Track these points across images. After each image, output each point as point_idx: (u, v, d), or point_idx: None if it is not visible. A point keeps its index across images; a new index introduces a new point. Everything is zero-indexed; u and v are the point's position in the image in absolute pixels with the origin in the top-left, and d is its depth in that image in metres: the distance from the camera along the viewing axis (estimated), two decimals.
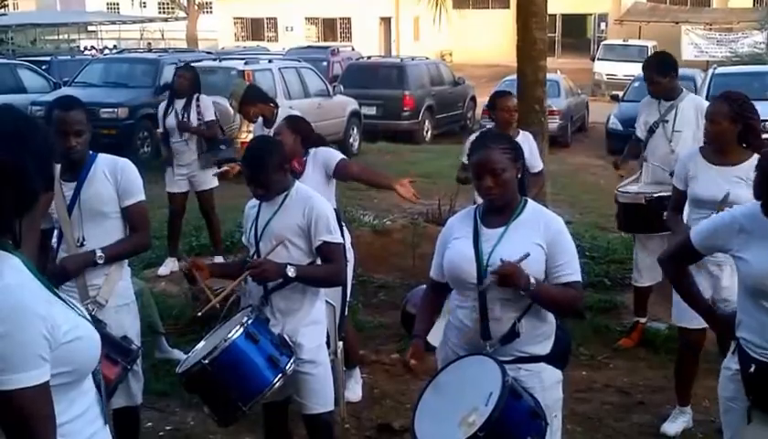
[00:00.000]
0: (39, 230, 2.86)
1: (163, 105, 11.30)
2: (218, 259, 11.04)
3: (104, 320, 5.30)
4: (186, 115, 10.91)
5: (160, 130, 11.23)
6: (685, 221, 6.80)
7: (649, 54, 40.98)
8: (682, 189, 6.79)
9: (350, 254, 7.31)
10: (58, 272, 5.23)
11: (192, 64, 13.12)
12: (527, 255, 4.41)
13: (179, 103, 11.03)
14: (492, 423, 4.08)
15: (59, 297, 2.77)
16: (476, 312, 4.58)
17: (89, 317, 2.93)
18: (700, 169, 6.65)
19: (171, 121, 10.99)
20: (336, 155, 7.28)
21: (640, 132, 8.79)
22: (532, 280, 4.41)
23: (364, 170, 7.81)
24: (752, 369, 4.38)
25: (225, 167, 9.96)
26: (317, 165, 7.13)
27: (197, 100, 11.05)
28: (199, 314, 5.87)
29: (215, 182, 11.11)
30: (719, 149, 6.55)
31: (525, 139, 8.77)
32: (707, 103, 7.83)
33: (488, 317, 4.53)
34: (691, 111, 8.35)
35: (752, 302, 4.44)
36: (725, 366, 4.64)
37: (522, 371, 4.54)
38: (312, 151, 7.22)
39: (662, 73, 8.52)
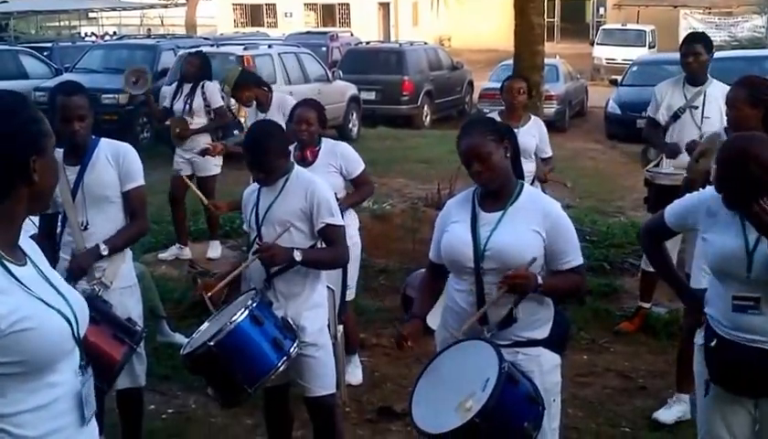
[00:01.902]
0: (19, 219, 2.82)
1: (171, 89, 11.38)
2: (215, 243, 11.09)
3: (109, 301, 5.37)
4: (190, 101, 10.94)
5: (163, 105, 11.32)
6: None
7: (647, 38, 41.26)
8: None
9: (357, 238, 7.39)
10: (75, 269, 5.32)
11: (201, 50, 13.08)
12: (534, 260, 4.46)
13: (186, 88, 11.08)
14: (488, 409, 4.10)
15: (23, 285, 2.73)
16: (473, 296, 4.60)
17: (73, 306, 2.87)
18: None
19: (179, 105, 11.03)
20: (361, 164, 7.34)
21: (661, 116, 8.55)
22: (540, 280, 4.46)
23: (370, 192, 7.84)
24: (712, 344, 4.52)
25: (206, 145, 10.04)
26: (332, 162, 7.16)
27: (203, 87, 11.06)
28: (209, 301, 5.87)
29: (218, 168, 11.16)
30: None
31: (535, 124, 8.80)
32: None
33: (485, 302, 4.55)
34: (720, 97, 8.04)
35: (715, 280, 4.58)
36: (695, 340, 4.77)
37: (520, 356, 4.56)
38: (330, 143, 7.26)
39: (707, 48, 8.42)
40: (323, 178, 6.36)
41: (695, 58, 8.36)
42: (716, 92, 8.23)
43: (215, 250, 11.13)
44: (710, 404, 4.68)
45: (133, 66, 11.92)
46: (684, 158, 8.09)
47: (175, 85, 11.39)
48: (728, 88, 7.87)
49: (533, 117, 8.99)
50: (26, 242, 2.94)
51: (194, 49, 13.77)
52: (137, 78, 11.52)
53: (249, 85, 9.42)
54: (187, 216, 11.48)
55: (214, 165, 11.08)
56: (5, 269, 2.71)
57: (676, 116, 8.44)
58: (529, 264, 4.44)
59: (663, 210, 4.96)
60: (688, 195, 4.92)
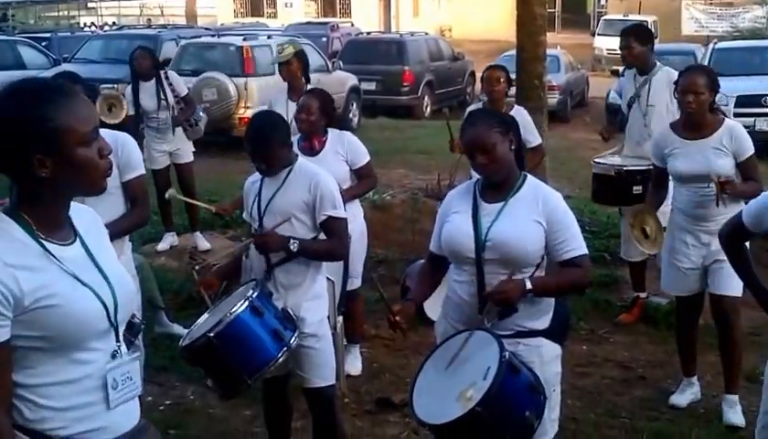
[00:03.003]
0: (53, 201, 2.89)
1: (128, 89, 11.20)
2: (198, 235, 11.09)
3: None
4: (162, 95, 10.89)
5: (131, 113, 11.12)
6: (671, 197, 6.90)
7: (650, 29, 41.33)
8: (662, 167, 6.87)
9: (364, 228, 7.47)
10: None
11: (145, 45, 12.97)
12: (512, 274, 4.49)
13: (149, 85, 10.93)
14: (489, 398, 4.10)
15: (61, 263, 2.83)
16: (474, 286, 4.61)
17: (115, 289, 2.97)
18: (677, 146, 6.69)
19: (148, 102, 10.91)
20: (366, 156, 7.36)
21: (623, 106, 8.93)
22: (528, 285, 4.46)
23: (373, 185, 7.83)
24: None
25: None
26: (340, 149, 7.17)
27: (167, 77, 11.04)
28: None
29: (192, 155, 11.29)
30: (695, 122, 6.59)
31: (518, 114, 8.73)
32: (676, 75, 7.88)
33: (486, 291, 4.55)
34: (663, 84, 8.37)
35: None
36: None
37: (521, 346, 4.56)
38: (336, 133, 7.25)
39: (640, 40, 8.61)
40: (331, 167, 6.41)
41: (628, 51, 8.65)
42: (660, 79, 8.49)
43: (201, 240, 11.08)
44: None
45: (103, 93, 11.56)
46: (636, 149, 8.58)
47: (129, 86, 11.21)
48: (672, 71, 7.97)
49: (516, 106, 8.99)
50: (88, 223, 3.07)
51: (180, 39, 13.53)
52: (110, 105, 11.34)
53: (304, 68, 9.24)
54: (180, 208, 11.47)
55: (191, 152, 11.25)
56: (42, 248, 2.83)
57: (629, 105, 8.73)
58: (509, 278, 4.47)
59: (739, 214, 4.74)
60: (765, 193, 4.72)
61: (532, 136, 8.85)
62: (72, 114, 2.84)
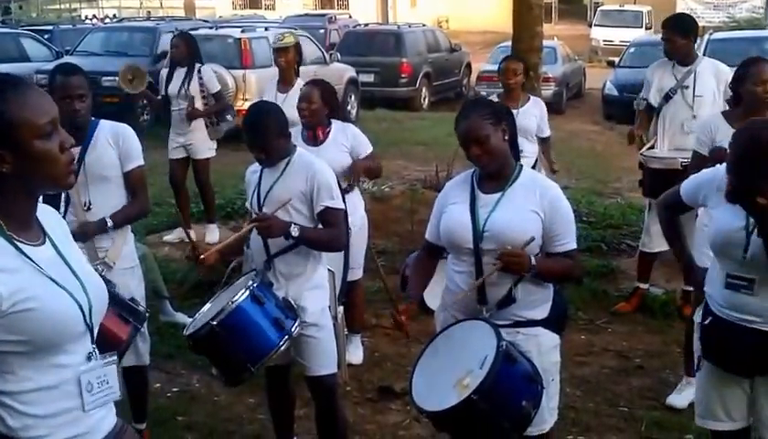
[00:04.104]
0: (19, 199, 2.83)
1: (165, 72, 11.26)
2: (212, 226, 11.14)
3: (113, 281, 5.39)
4: (187, 84, 10.88)
5: (162, 94, 11.22)
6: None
7: (645, 20, 41.24)
8: (704, 155, 6.70)
9: (365, 222, 7.51)
10: (78, 233, 5.31)
11: (189, 31, 13.03)
12: (532, 239, 4.50)
13: (180, 72, 10.96)
14: (486, 386, 4.15)
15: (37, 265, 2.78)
16: (473, 277, 4.64)
17: (88, 291, 2.92)
18: (728, 135, 6.65)
19: (173, 88, 10.95)
20: (369, 147, 7.39)
21: (653, 98, 8.58)
22: (533, 261, 4.50)
23: (380, 172, 7.85)
24: (706, 322, 4.62)
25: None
26: (343, 141, 7.21)
27: (199, 71, 11.01)
28: (200, 276, 5.90)
29: (212, 152, 11.22)
30: (749, 112, 6.37)
31: (535, 104, 8.84)
32: (724, 66, 7.81)
33: (484, 282, 4.60)
34: (710, 75, 8.24)
35: (715, 259, 4.65)
36: (694, 318, 4.85)
37: (519, 335, 4.61)
38: (340, 124, 7.31)
39: (682, 34, 8.40)
40: (333, 157, 6.47)
41: (670, 44, 8.43)
42: (706, 70, 8.29)
43: (213, 233, 11.12)
44: (707, 382, 4.76)
45: (128, 63, 11.76)
46: (680, 141, 8.15)
47: (166, 70, 11.28)
48: (717, 63, 7.84)
49: (532, 97, 9.02)
50: (54, 224, 3.01)
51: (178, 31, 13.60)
52: (133, 76, 11.43)
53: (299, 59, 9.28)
54: (191, 198, 11.53)
55: (208, 149, 11.16)
56: (15, 248, 2.76)
57: (667, 97, 8.44)
58: (527, 243, 4.47)
59: (679, 184, 5.01)
60: (704, 170, 4.96)
61: (547, 127, 9.08)
62: (25, 107, 2.77)
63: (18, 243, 2.78)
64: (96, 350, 2.96)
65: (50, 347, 2.79)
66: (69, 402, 2.86)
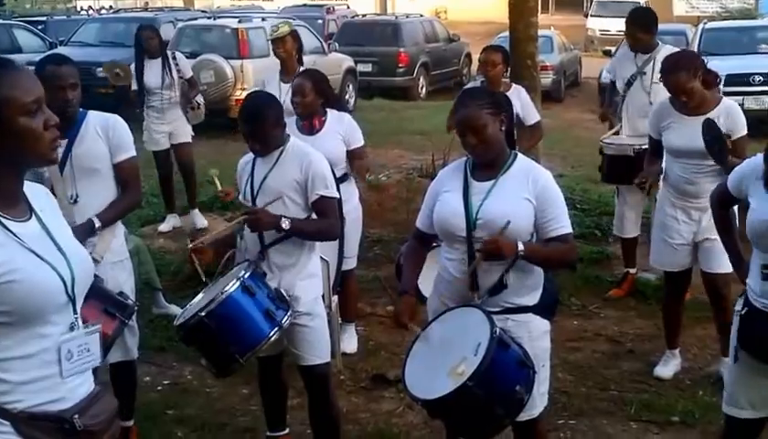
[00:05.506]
0: (5, 174, 2.90)
1: (133, 67, 11.33)
2: (195, 212, 11.22)
3: (101, 276, 5.28)
4: (168, 73, 10.98)
5: (135, 88, 11.28)
6: (664, 171, 6.98)
7: None
8: (656, 139, 6.99)
9: (359, 212, 7.54)
10: None
11: (150, 24, 13.16)
12: (507, 224, 4.49)
13: (155, 63, 11.05)
14: (481, 373, 4.17)
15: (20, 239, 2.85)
16: (465, 264, 4.66)
17: (72, 263, 2.98)
18: (674, 120, 6.79)
19: (153, 80, 11.02)
20: (361, 140, 7.42)
21: (620, 85, 8.92)
22: (520, 246, 4.50)
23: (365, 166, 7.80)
24: (743, 312, 4.57)
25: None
26: (339, 129, 7.24)
27: (174, 58, 11.16)
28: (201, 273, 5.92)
29: (189, 137, 11.37)
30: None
31: (516, 92, 8.82)
32: None
33: (476, 269, 4.61)
34: None
35: (753, 249, 4.61)
36: (735, 307, 4.79)
37: (510, 322, 4.63)
38: (336, 114, 7.33)
39: (643, 29, 8.74)
40: (329, 146, 6.48)
41: (633, 40, 8.85)
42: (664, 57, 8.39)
43: (200, 218, 11.20)
44: (738, 371, 4.71)
45: (111, 61, 11.92)
46: (640, 126, 8.35)
47: (133, 64, 11.34)
48: (676, 51, 8.02)
49: (514, 85, 9.04)
50: (43, 200, 3.09)
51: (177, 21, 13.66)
52: (119, 71, 11.59)
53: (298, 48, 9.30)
54: (179, 188, 11.56)
55: (189, 133, 11.33)
56: (0, 224, 2.85)
57: (629, 83, 8.76)
58: (503, 229, 4.48)
59: (725, 179, 5.03)
60: (747, 159, 4.95)
61: (531, 114, 9.01)
62: (11, 85, 2.86)
63: (3, 219, 2.86)
64: (79, 320, 3.02)
65: (33, 318, 2.86)
66: (48, 370, 2.91)
